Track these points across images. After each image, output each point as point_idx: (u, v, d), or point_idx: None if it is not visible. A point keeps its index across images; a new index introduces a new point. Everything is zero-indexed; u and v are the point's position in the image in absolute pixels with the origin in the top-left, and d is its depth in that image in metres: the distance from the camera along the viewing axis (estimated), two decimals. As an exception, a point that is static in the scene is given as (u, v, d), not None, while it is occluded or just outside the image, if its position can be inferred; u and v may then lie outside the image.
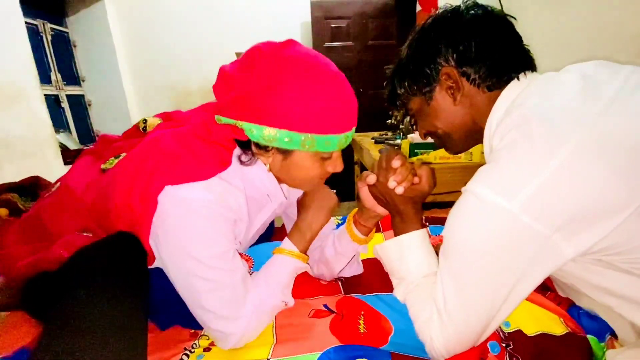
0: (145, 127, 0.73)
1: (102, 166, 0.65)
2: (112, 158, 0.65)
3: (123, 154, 0.65)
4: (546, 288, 0.77)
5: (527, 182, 0.43)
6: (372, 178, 0.65)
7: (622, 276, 0.47)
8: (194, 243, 0.55)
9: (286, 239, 0.69)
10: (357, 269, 0.82)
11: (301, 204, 0.73)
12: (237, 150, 0.62)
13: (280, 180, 0.66)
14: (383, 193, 0.65)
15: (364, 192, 0.70)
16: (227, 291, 0.57)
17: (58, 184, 0.71)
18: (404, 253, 0.63)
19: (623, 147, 0.41)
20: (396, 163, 0.63)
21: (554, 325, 0.62)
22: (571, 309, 0.68)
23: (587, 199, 0.41)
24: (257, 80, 0.53)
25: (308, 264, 0.70)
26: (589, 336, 0.60)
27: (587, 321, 0.64)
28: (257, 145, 0.58)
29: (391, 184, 0.62)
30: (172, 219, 0.54)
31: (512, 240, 0.45)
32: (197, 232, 0.55)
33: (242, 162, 0.61)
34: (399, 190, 0.62)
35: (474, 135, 0.61)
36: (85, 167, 0.71)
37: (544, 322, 0.62)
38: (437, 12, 0.60)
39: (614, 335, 0.61)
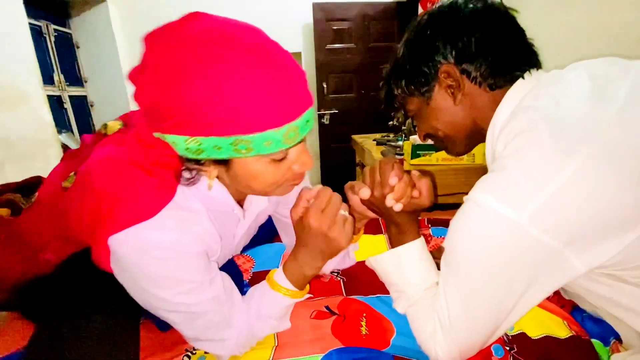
0: (106, 132, 0.64)
1: (63, 184, 0.56)
2: (72, 174, 0.56)
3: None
4: (550, 291, 0.76)
5: (536, 193, 0.40)
6: (365, 192, 0.59)
7: (631, 289, 0.45)
8: (156, 286, 0.48)
9: (280, 270, 0.58)
10: (348, 263, 0.80)
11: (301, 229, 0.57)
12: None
13: (241, 193, 0.57)
14: (379, 207, 0.61)
15: (354, 200, 0.65)
16: (207, 318, 0.52)
17: (36, 194, 0.64)
18: (402, 266, 0.60)
19: (635, 158, 0.38)
20: (393, 180, 0.57)
21: (558, 328, 0.61)
22: (575, 312, 0.67)
23: (599, 211, 0.39)
24: (153, 81, 0.42)
25: (309, 294, 0.63)
26: (593, 340, 0.60)
27: (591, 325, 0.63)
28: (188, 159, 0.47)
29: (389, 202, 0.57)
30: (126, 265, 0.47)
31: (519, 253, 0.43)
32: (156, 276, 0.47)
33: (186, 180, 0.50)
34: (398, 207, 0.57)
35: (475, 136, 0.59)
36: (55, 178, 0.62)
37: (548, 325, 0.62)
38: (434, 7, 0.56)
39: (618, 339, 0.60)
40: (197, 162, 0.47)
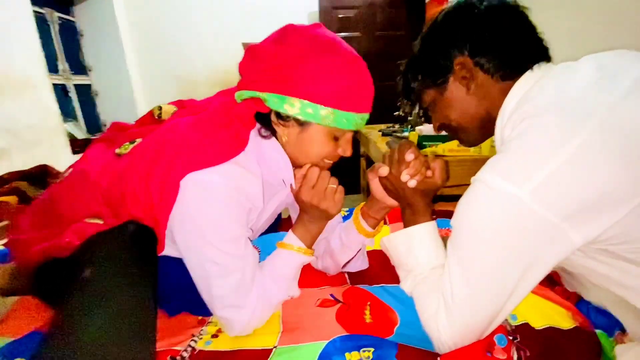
0: (160, 114, 0.73)
1: (117, 151, 0.66)
2: (127, 143, 0.66)
3: (139, 140, 0.65)
4: (554, 282, 0.76)
5: (537, 169, 0.43)
6: (384, 170, 0.65)
7: (629, 266, 0.46)
8: (209, 226, 0.56)
9: (290, 233, 0.68)
10: (362, 264, 0.81)
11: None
12: (257, 126, 0.63)
13: (292, 159, 0.66)
14: (395, 185, 0.65)
15: (375, 184, 0.70)
16: (235, 277, 0.58)
17: (70, 169, 0.71)
18: (412, 244, 0.63)
19: (635, 139, 0.41)
20: (410, 156, 0.62)
21: (562, 319, 0.62)
22: (580, 303, 0.67)
23: (596, 188, 0.41)
24: (286, 53, 0.56)
25: (315, 256, 0.70)
26: (597, 331, 0.60)
27: (596, 316, 0.63)
28: (278, 115, 0.59)
29: (404, 177, 0.62)
30: (193, 202, 0.56)
31: (520, 227, 0.45)
32: (213, 216, 0.56)
33: (261, 136, 0.62)
34: (412, 183, 0.62)
35: (487, 126, 0.61)
36: (98, 152, 0.71)
37: (552, 316, 0.62)
38: (450, 4, 0.60)
39: (623, 330, 0.60)
40: (284, 118, 0.59)
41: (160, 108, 0.73)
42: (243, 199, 0.59)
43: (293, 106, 0.56)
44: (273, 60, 0.56)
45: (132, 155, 0.63)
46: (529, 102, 0.49)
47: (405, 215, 0.66)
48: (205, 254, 0.57)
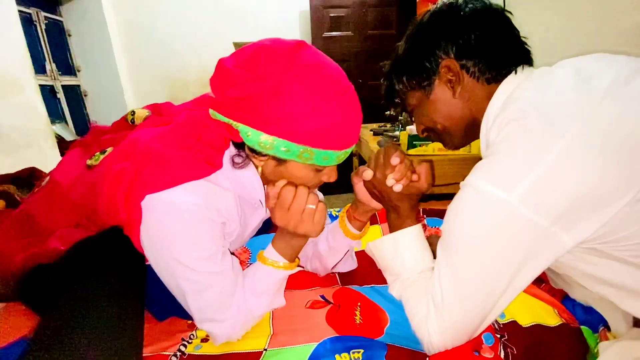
0: (133, 119, 0.70)
1: (88, 162, 0.63)
2: (98, 153, 0.63)
3: (109, 149, 0.63)
4: (540, 280, 0.77)
5: (525, 174, 0.43)
6: (368, 174, 0.64)
7: (615, 265, 0.47)
8: (177, 247, 0.53)
9: (270, 247, 0.63)
10: (351, 265, 0.81)
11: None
12: (230, 151, 0.59)
13: (269, 182, 0.62)
14: (379, 189, 0.64)
15: (359, 187, 0.69)
16: (211, 293, 0.56)
17: (47, 178, 0.69)
18: (399, 249, 0.63)
19: (618, 138, 0.42)
20: (395, 160, 0.62)
21: (548, 316, 0.63)
22: (565, 300, 0.69)
23: (584, 189, 0.42)
24: (261, 83, 0.50)
25: (300, 266, 0.67)
26: (582, 327, 0.61)
27: (581, 313, 0.65)
28: (252, 149, 0.55)
29: (389, 181, 0.61)
30: (156, 224, 0.53)
31: (511, 232, 0.45)
32: (180, 236, 0.53)
33: (234, 164, 0.58)
34: (397, 188, 0.61)
35: (472, 129, 0.61)
36: (73, 161, 0.69)
37: (539, 313, 0.63)
38: (435, 6, 0.60)
39: (606, 327, 0.61)
40: (259, 153, 0.55)
41: (133, 113, 0.70)
42: (213, 214, 0.55)
43: (267, 143, 0.51)
44: (245, 90, 0.50)
45: (101, 167, 0.60)
46: (513, 104, 0.50)
47: (390, 219, 0.66)
48: (176, 273, 0.55)
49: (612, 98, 0.43)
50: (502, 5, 0.60)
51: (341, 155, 0.56)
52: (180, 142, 0.55)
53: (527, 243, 0.45)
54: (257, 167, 0.59)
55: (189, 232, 0.53)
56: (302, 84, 0.50)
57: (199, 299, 0.56)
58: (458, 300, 0.51)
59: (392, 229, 0.65)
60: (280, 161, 0.56)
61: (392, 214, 0.66)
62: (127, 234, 0.57)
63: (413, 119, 0.68)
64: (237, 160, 0.58)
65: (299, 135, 0.51)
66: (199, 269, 0.54)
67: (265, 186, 0.63)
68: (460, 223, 0.50)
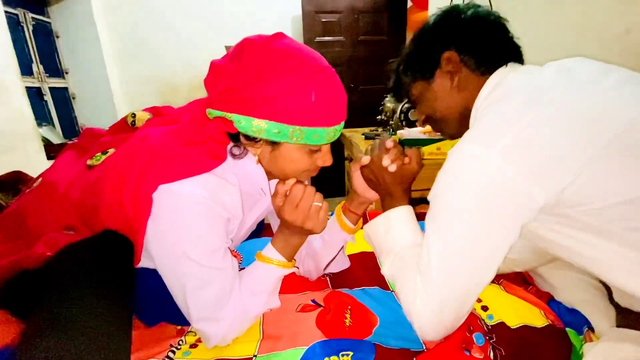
0: (134, 121, 0.71)
1: (89, 162, 0.63)
2: (99, 154, 0.63)
3: (111, 150, 0.64)
4: (527, 283, 0.79)
5: (505, 132, 0.48)
6: (366, 159, 0.70)
7: (587, 237, 0.50)
8: (184, 239, 0.55)
9: (270, 246, 0.66)
10: (343, 264, 0.82)
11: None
12: (230, 145, 0.61)
13: (269, 173, 0.65)
14: (376, 173, 0.69)
15: (356, 176, 0.74)
16: (212, 290, 0.57)
17: (39, 179, 0.68)
18: (391, 226, 0.67)
19: (589, 111, 0.48)
20: (389, 143, 0.69)
21: (535, 317, 0.64)
22: (551, 302, 0.70)
23: (554, 144, 0.47)
24: (246, 72, 0.53)
25: (295, 266, 0.69)
26: (567, 329, 0.62)
27: (566, 314, 0.66)
28: (246, 136, 0.58)
29: (385, 162, 0.67)
30: (166, 214, 0.54)
31: (490, 189, 0.48)
32: (188, 229, 0.55)
33: (234, 155, 0.61)
34: (392, 168, 0.66)
35: (465, 118, 0.66)
36: (68, 162, 0.69)
37: (526, 315, 0.64)
38: (439, 12, 0.68)
39: (590, 328, 0.63)
40: (253, 139, 0.57)
41: (134, 115, 0.71)
42: (220, 209, 0.57)
43: (259, 127, 0.54)
44: (232, 80, 0.54)
45: (104, 166, 0.61)
46: (499, 89, 0.58)
47: (384, 204, 0.70)
48: (181, 266, 0.55)
49: (591, 86, 0.50)
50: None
51: (331, 132, 0.58)
52: (189, 138, 0.58)
53: (505, 198, 0.48)
54: (255, 156, 0.61)
55: (198, 224, 0.55)
56: (283, 68, 0.53)
57: (198, 295, 0.57)
58: (444, 261, 0.52)
59: (386, 210, 0.69)
60: (274, 145, 0.58)
61: (387, 198, 0.70)
62: (127, 233, 0.56)
63: (415, 109, 0.75)
64: (236, 151, 0.61)
65: (286, 115, 0.54)
66: (203, 263, 0.56)
67: (270, 182, 0.67)
68: (443, 186, 0.54)
